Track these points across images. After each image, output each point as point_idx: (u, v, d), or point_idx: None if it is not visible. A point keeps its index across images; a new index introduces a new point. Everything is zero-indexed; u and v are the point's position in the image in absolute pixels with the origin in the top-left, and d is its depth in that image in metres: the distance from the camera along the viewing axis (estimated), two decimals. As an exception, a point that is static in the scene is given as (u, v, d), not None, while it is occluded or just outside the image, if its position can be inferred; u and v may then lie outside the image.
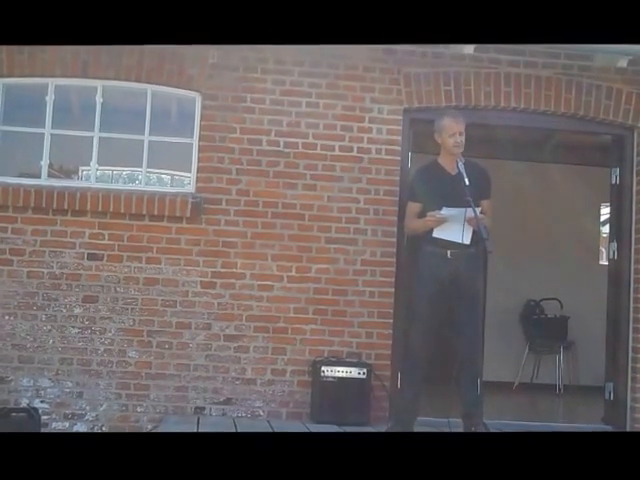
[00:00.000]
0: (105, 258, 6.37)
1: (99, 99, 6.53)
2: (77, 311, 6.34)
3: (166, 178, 6.92)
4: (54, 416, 6.23)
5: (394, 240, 6.56)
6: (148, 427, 6.24)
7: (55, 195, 6.33)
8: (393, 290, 6.55)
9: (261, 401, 6.41)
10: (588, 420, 7.09)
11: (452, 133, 5.95)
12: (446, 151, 6.01)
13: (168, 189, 6.66)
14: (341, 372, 6.26)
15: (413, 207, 6.08)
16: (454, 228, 5.82)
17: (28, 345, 6.30)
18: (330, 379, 6.24)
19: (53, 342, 6.31)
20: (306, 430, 5.95)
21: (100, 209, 6.36)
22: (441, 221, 5.83)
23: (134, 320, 6.36)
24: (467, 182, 5.73)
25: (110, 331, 6.35)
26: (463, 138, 5.96)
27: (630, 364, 6.84)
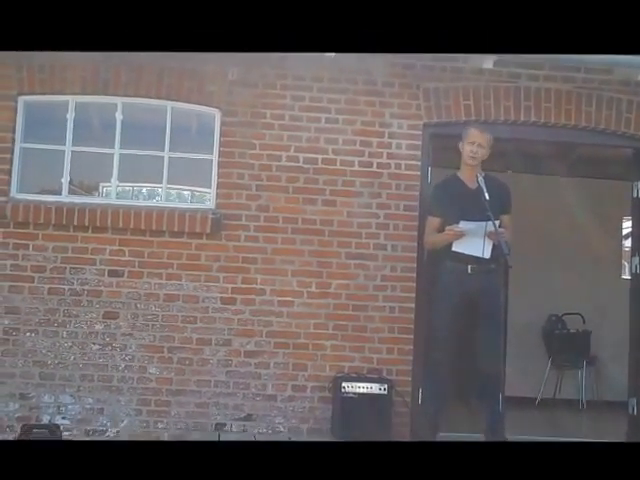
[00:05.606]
0: (126, 274, 6.39)
1: (119, 116, 6.55)
2: (98, 327, 6.36)
3: (186, 194, 6.93)
4: (75, 432, 6.22)
5: (414, 255, 6.53)
6: (169, 443, 6.24)
7: (76, 212, 6.36)
8: (414, 305, 6.51)
9: (282, 417, 6.39)
10: (612, 436, 7.01)
11: (471, 141, 5.98)
12: (464, 162, 6.02)
13: (188, 205, 6.67)
14: (362, 388, 6.23)
15: (433, 222, 6.08)
16: (474, 242, 5.81)
17: (49, 362, 6.32)
18: (351, 395, 6.21)
19: (74, 358, 6.33)
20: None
21: (121, 225, 6.38)
22: (460, 234, 5.82)
23: (155, 336, 6.37)
24: (487, 196, 5.72)
25: (131, 347, 6.36)
26: (481, 150, 5.97)
27: (654, 379, 6.78)
